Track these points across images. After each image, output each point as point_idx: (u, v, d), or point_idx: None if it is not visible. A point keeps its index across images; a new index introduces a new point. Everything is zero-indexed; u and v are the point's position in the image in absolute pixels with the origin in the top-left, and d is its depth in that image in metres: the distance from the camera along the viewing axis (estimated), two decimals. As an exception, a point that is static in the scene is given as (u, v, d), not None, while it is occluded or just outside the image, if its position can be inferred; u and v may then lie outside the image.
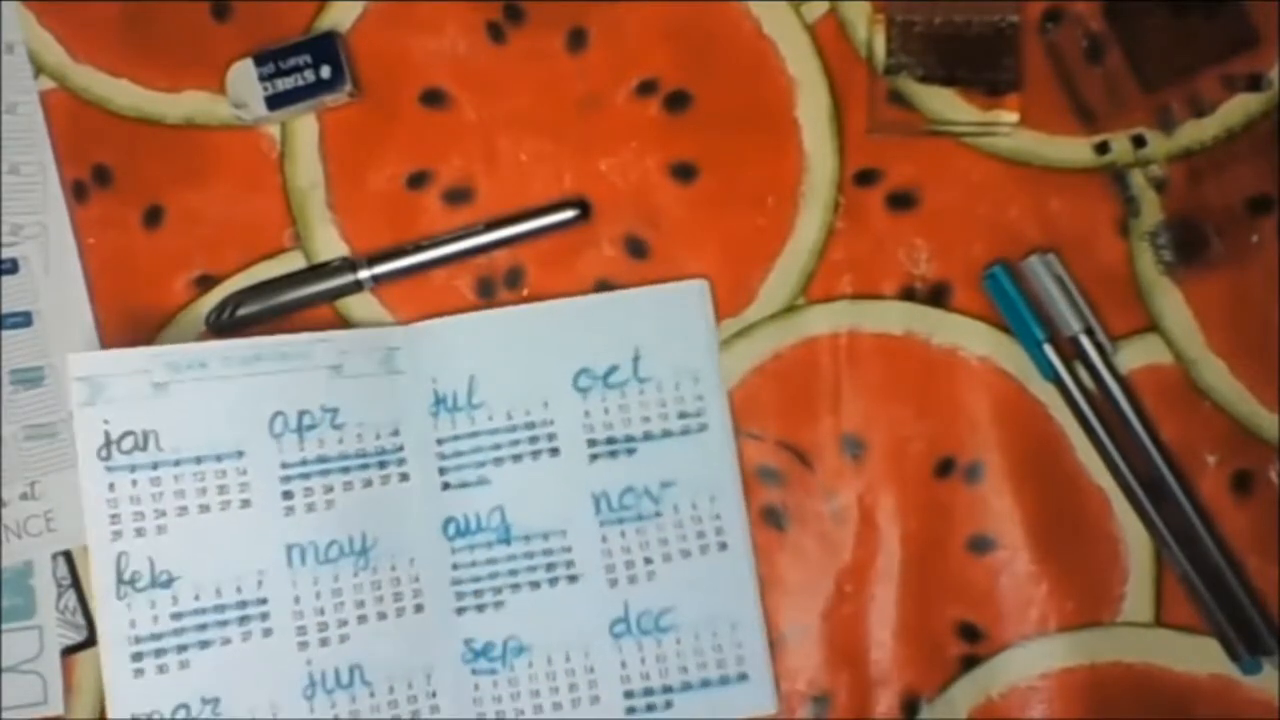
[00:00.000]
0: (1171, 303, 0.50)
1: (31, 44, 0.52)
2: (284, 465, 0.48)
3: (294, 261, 0.52)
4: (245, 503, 0.47)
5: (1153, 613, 0.49)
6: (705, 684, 0.48)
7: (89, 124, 0.52)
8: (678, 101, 0.51)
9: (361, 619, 0.48)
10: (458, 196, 0.51)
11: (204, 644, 0.47)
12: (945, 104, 0.50)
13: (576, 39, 0.51)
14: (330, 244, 0.52)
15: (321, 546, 0.48)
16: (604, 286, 0.50)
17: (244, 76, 0.51)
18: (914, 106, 0.50)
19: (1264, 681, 0.48)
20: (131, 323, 0.52)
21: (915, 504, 0.50)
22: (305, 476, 0.48)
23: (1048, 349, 0.48)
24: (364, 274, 0.50)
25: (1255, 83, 0.49)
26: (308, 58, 0.50)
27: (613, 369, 0.49)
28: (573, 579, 0.49)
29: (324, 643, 0.48)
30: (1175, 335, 0.49)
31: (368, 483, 0.49)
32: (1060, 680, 0.49)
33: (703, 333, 0.50)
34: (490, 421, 0.49)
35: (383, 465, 0.49)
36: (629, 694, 0.49)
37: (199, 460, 0.47)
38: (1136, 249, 0.50)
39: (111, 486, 0.46)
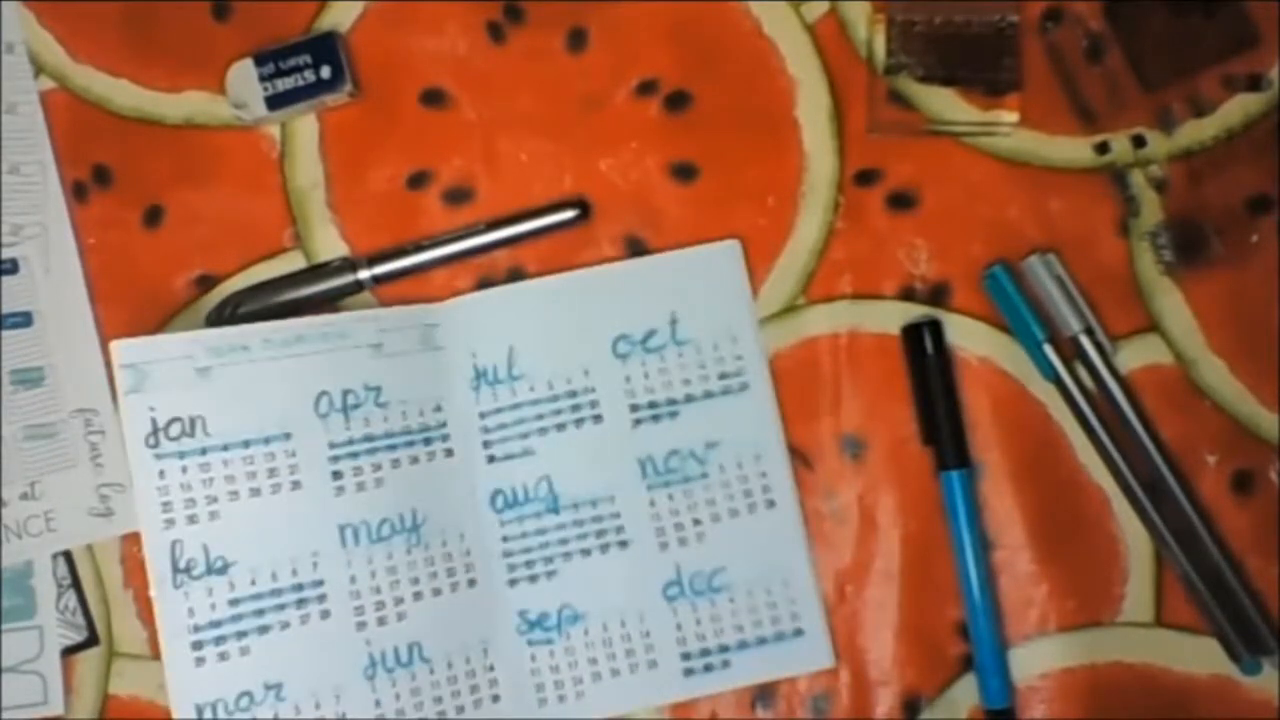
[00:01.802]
0: (1171, 303, 0.50)
1: (31, 44, 0.52)
2: (331, 445, 0.48)
3: (294, 261, 0.52)
4: (295, 484, 0.48)
5: (1153, 613, 0.49)
6: (761, 641, 0.49)
7: (89, 124, 0.52)
8: (678, 101, 0.51)
9: (417, 596, 0.48)
10: (458, 196, 0.51)
11: (263, 629, 0.47)
12: (945, 104, 0.50)
13: (576, 39, 0.51)
14: (330, 244, 0.52)
15: (373, 525, 0.48)
16: (604, 286, 0.50)
17: (244, 76, 0.51)
18: (914, 106, 0.50)
19: (1264, 681, 0.48)
20: (131, 323, 0.52)
21: (915, 504, 0.50)
22: (353, 456, 0.48)
23: (1048, 349, 0.48)
24: (364, 274, 0.50)
25: (1255, 83, 0.49)
26: (308, 58, 0.50)
27: (651, 333, 0.50)
28: (623, 545, 0.49)
29: (381, 622, 0.48)
30: (1175, 335, 0.49)
31: (414, 460, 0.49)
32: (1060, 680, 0.49)
33: (738, 292, 0.50)
34: (531, 392, 0.49)
35: (428, 442, 0.49)
36: (686, 655, 0.49)
37: (247, 444, 0.47)
38: (1136, 249, 0.50)
39: (161, 474, 0.46)
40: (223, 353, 0.47)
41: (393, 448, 0.49)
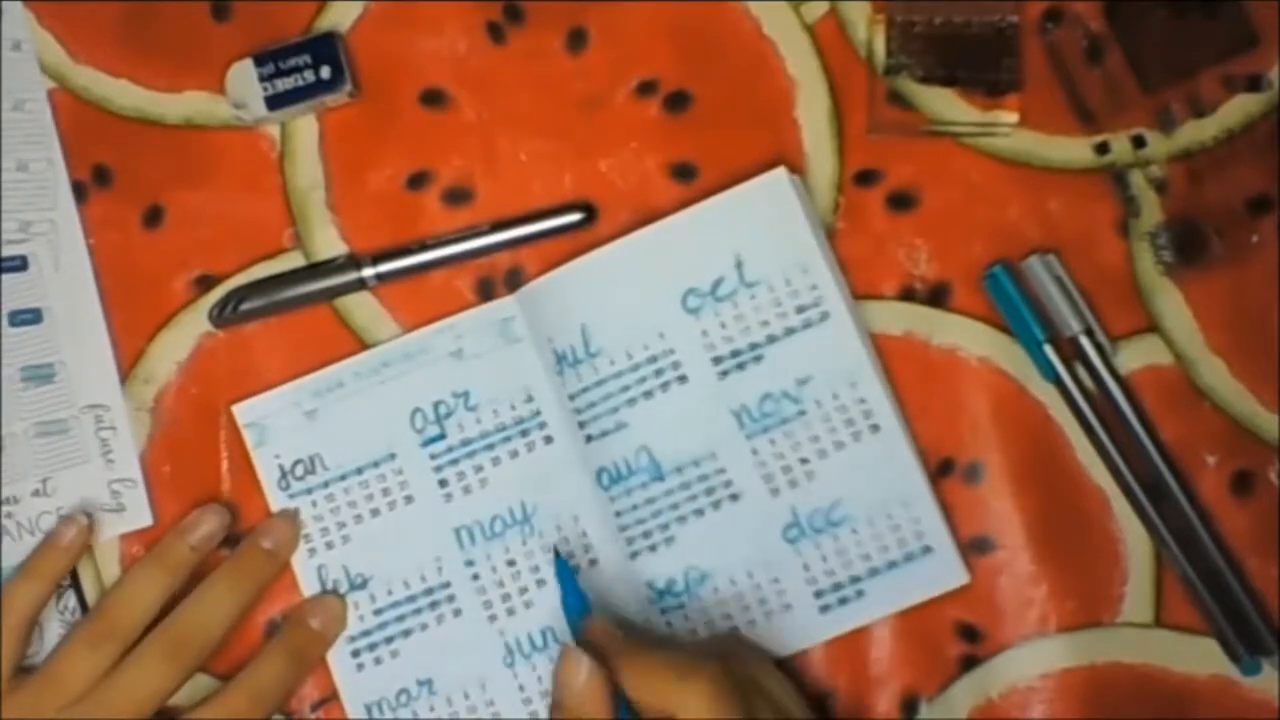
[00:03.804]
0: (1171, 303, 0.50)
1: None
2: (433, 456, 0.50)
3: (294, 262, 0.52)
4: (409, 499, 0.50)
5: (1153, 613, 0.49)
6: (891, 565, 0.48)
7: (89, 124, 0.52)
8: (678, 101, 0.51)
9: (540, 583, 0.49)
10: (458, 197, 0.51)
11: (406, 633, 0.50)
12: (945, 104, 0.50)
13: (576, 39, 0.51)
14: (330, 244, 0.52)
15: (486, 523, 0.50)
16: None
17: (244, 76, 0.51)
18: (914, 106, 0.50)
19: (1264, 682, 0.48)
20: (131, 323, 0.52)
21: (915, 504, 0.49)
22: (454, 462, 0.50)
23: (1048, 349, 0.48)
24: (368, 272, 0.50)
25: (1255, 83, 0.49)
26: (308, 58, 0.50)
27: (719, 281, 0.49)
28: (734, 498, 0.48)
29: (510, 613, 0.50)
30: (1175, 335, 0.49)
31: (514, 454, 0.50)
32: (1060, 680, 0.49)
33: (798, 220, 0.48)
34: (612, 366, 0.49)
35: (524, 434, 0.50)
36: (818, 594, 0.48)
37: (360, 470, 0.50)
38: (1136, 249, 0.50)
39: (297, 512, 0.51)
40: (322, 393, 0.51)
41: (490, 446, 0.50)
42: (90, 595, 0.51)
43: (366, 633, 0.50)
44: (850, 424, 0.48)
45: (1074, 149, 0.50)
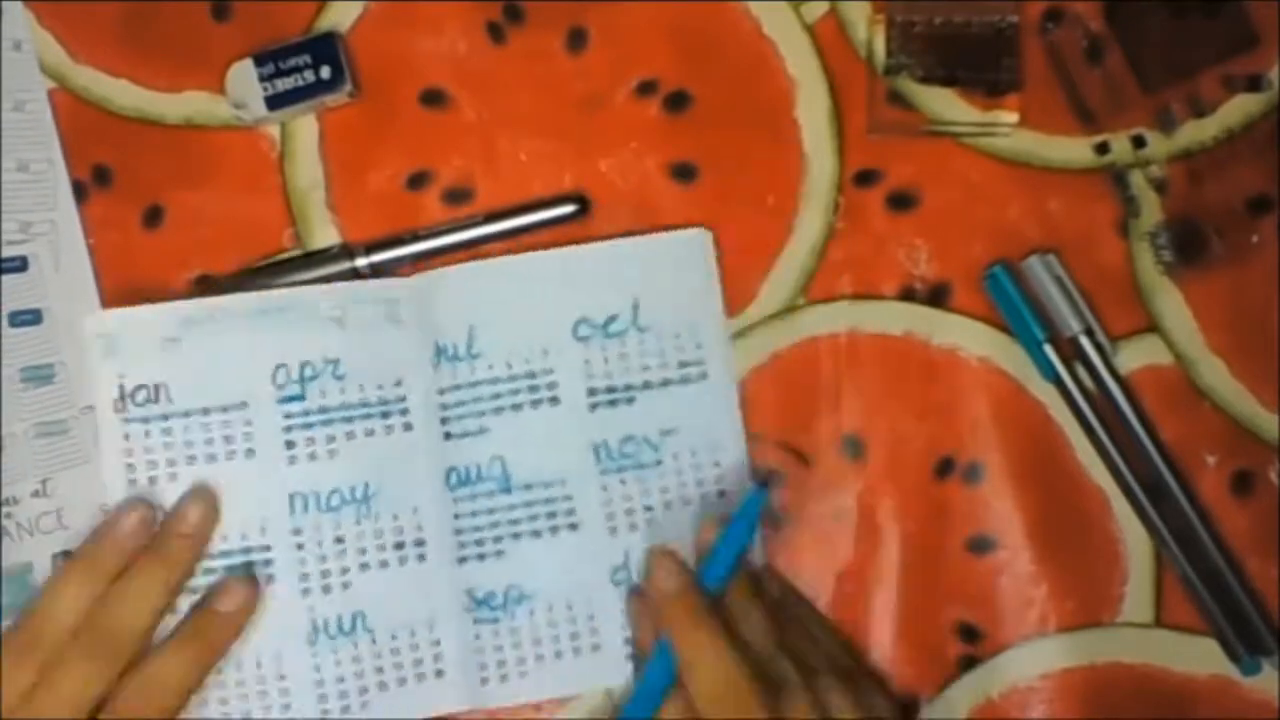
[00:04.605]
0: (1171, 303, 0.50)
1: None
2: (286, 416, 0.49)
3: (294, 261, 0.52)
4: (250, 452, 0.49)
5: (1153, 613, 0.49)
6: None
7: (89, 124, 0.52)
8: (678, 101, 0.51)
9: (363, 567, 0.48)
10: (458, 197, 0.51)
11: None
12: (945, 104, 0.50)
13: (576, 39, 0.51)
14: (330, 244, 0.52)
15: (324, 495, 0.49)
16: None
17: (244, 76, 0.51)
18: (914, 106, 0.50)
19: (1264, 682, 0.48)
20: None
21: (915, 504, 0.50)
22: (308, 426, 0.49)
23: (1048, 349, 0.48)
24: (361, 261, 0.50)
25: (1255, 83, 0.49)
26: (308, 58, 0.50)
27: (612, 318, 0.49)
28: (573, 527, 0.49)
29: (326, 590, 0.48)
30: (1175, 335, 0.49)
31: (370, 432, 0.49)
32: (1060, 680, 0.49)
33: (703, 281, 0.50)
34: (490, 371, 0.49)
35: (385, 415, 0.49)
36: (629, 641, 0.49)
37: (206, 412, 0.48)
38: (1136, 249, 0.50)
39: (126, 437, 0.48)
40: (188, 322, 0.49)
41: (349, 420, 0.49)
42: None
43: None
44: (700, 484, 0.49)
45: (1074, 149, 0.50)
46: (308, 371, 0.49)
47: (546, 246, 0.51)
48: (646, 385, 0.49)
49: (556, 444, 0.49)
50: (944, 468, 0.49)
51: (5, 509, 0.50)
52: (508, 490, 0.49)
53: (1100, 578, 0.49)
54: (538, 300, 0.50)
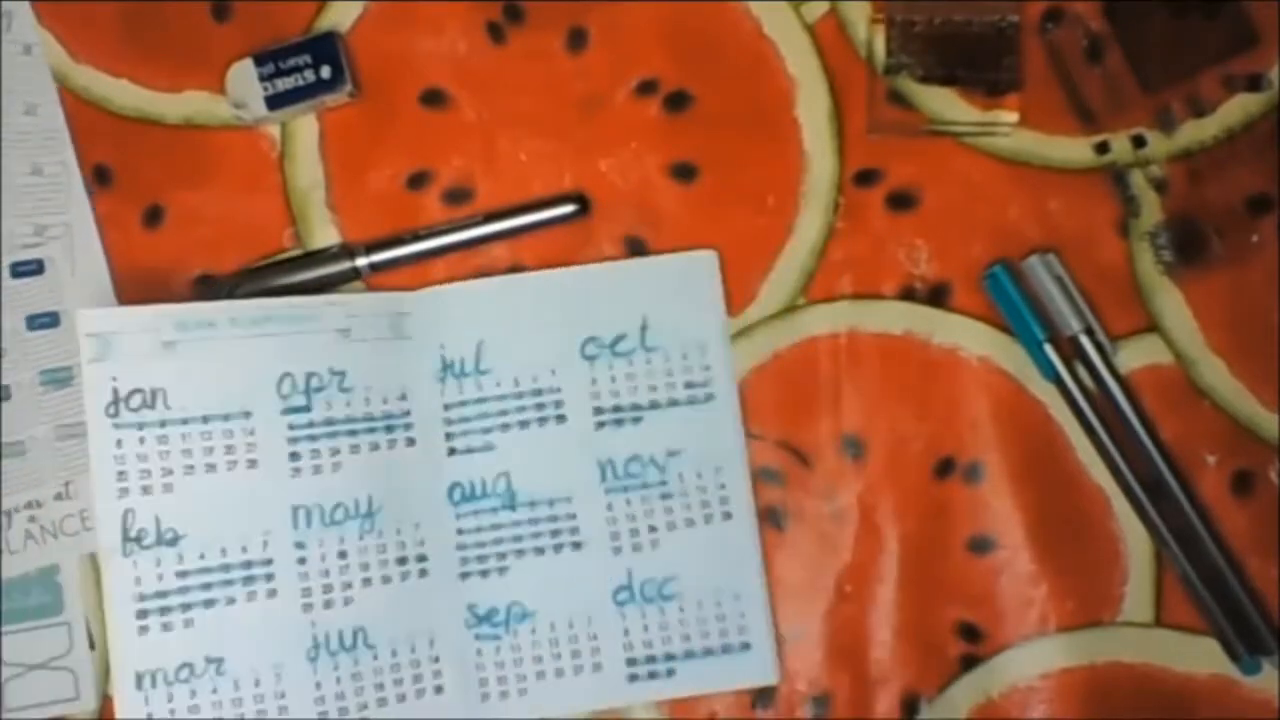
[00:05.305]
0: (1171, 303, 0.50)
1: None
2: (291, 427, 0.48)
3: (294, 261, 0.52)
4: (252, 463, 0.47)
5: (1153, 613, 0.49)
6: (708, 653, 0.48)
7: (89, 124, 0.52)
8: (678, 101, 0.51)
9: (366, 582, 0.48)
10: (458, 197, 0.51)
11: (209, 603, 0.47)
12: (945, 104, 0.50)
13: (576, 39, 0.51)
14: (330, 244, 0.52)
15: (327, 509, 0.48)
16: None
17: (244, 76, 0.51)
18: (914, 106, 0.50)
19: (1264, 681, 0.48)
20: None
21: (915, 504, 0.50)
22: (313, 439, 0.48)
23: (1048, 349, 0.48)
24: (361, 261, 0.50)
25: (1255, 83, 0.49)
26: (308, 58, 0.50)
27: (620, 337, 0.49)
28: (576, 546, 0.49)
29: (328, 605, 0.48)
30: (1175, 335, 0.49)
31: (374, 446, 0.49)
32: (1060, 680, 0.49)
33: (711, 303, 0.50)
34: (498, 388, 0.49)
35: (389, 429, 0.49)
36: (631, 661, 0.49)
37: (206, 420, 0.47)
38: (1136, 249, 0.50)
39: (119, 443, 0.46)
40: (189, 328, 0.47)
41: (353, 433, 0.48)
42: (89, 599, 0.51)
43: (162, 594, 0.46)
44: (705, 505, 0.49)
45: (1074, 149, 0.50)
46: (314, 383, 0.48)
47: (548, 250, 0.51)
48: (653, 405, 0.49)
49: (562, 461, 0.49)
50: (944, 468, 0.49)
51: (28, 512, 0.50)
52: (512, 507, 0.49)
53: (1100, 577, 0.49)
54: (547, 318, 0.50)
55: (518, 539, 0.49)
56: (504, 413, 0.49)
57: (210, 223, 0.52)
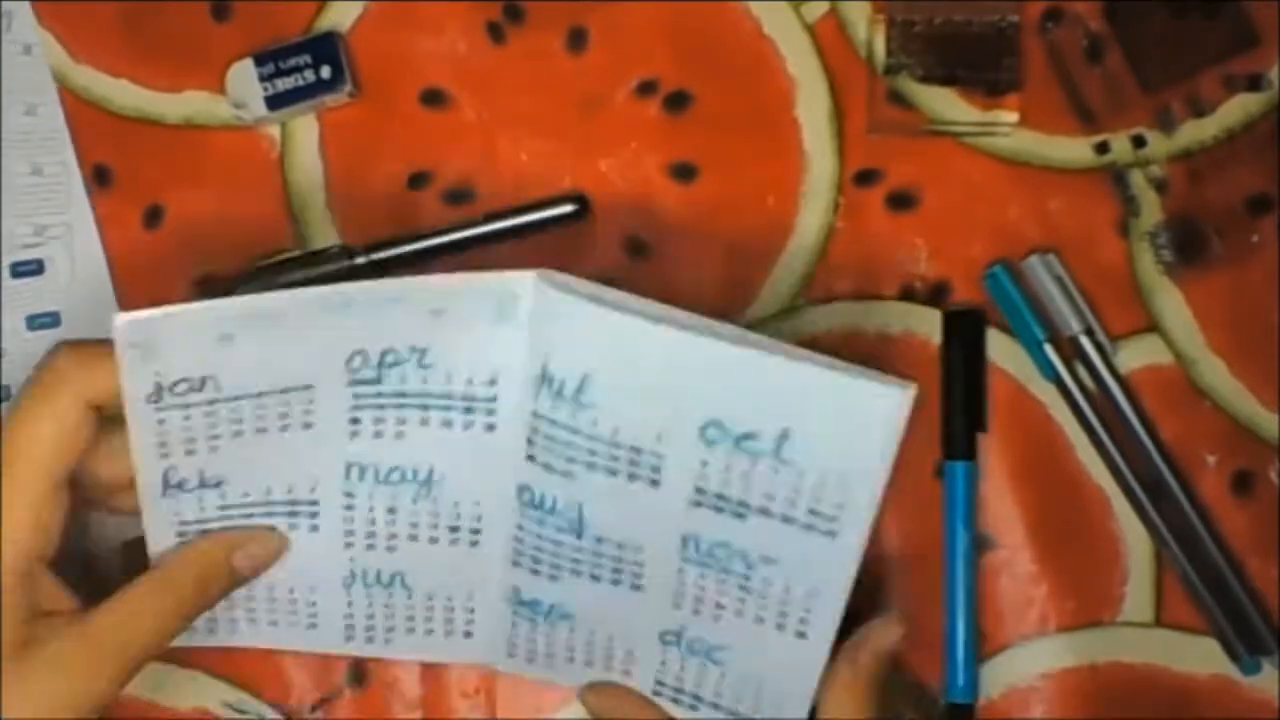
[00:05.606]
0: (1171, 303, 0.50)
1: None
2: (356, 396, 0.44)
3: (294, 261, 0.52)
4: (307, 425, 0.44)
5: (1153, 613, 0.49)
6: (734, 716, 0.46)
7: (89, 124, 0.52)
8: (678, 101, 0.51)
9: (413, 538, 0.46)
10: (458, 197, 0.51)
11: (249, 529, 0.45)
12: (945, 104, 0.50)
13: (576, 39, 0.51)
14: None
15: (383, 470, 0.45)
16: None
17: (244, 76, 0.51)
18: (914, 106, 0.50)
19: (1264, 681, 0.48)
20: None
21: (914, 504, 0.49)
22: (379, 408, 0.44)
23: (1048, 349, 0.49)
24: (361, 261, 0.50)
25: (1255, 83, 0.49)
26: (308, 58, 0.50)
27: (750, 435, 0.41)
28: (637, 589, 0.45)
29: (370, 547, 0.46)
30: (1175, 335, 0.49)
31: (447, 424, 0.44)
32: (1060, 680, 0.49)
33: (880, 443, 0.40)
34: (594, 427, 0.43)
35: (469, 410, 0.44)
36: (660, 683, 0.46)
37: (260, 395, 0.43)
38: (1136, 249, 0.50)
39: (161, 423, 0.42)
40: (252, 320, 0.42)
41: (424, 407, 0.44)
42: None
43: (202, 521, 0.44)
44: (783, 616, 0.43)
45: (1074, 149, 0.50)
46: (389, 359, 0.43)
47: (549, 250, 0.50)
48: (764, 512, 0.42)
49: (644, 519, 0.44)
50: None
51: None
52: (578, 535, 0.44)
53: (1100, 577, 0.49)
54: (671, 383, 0.42)
55: (576, 562, 0.45)
56: (593, 453, 0.43)
57: (210, 223, 0.52)
